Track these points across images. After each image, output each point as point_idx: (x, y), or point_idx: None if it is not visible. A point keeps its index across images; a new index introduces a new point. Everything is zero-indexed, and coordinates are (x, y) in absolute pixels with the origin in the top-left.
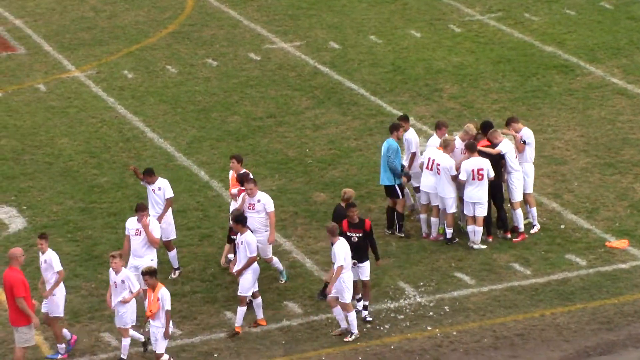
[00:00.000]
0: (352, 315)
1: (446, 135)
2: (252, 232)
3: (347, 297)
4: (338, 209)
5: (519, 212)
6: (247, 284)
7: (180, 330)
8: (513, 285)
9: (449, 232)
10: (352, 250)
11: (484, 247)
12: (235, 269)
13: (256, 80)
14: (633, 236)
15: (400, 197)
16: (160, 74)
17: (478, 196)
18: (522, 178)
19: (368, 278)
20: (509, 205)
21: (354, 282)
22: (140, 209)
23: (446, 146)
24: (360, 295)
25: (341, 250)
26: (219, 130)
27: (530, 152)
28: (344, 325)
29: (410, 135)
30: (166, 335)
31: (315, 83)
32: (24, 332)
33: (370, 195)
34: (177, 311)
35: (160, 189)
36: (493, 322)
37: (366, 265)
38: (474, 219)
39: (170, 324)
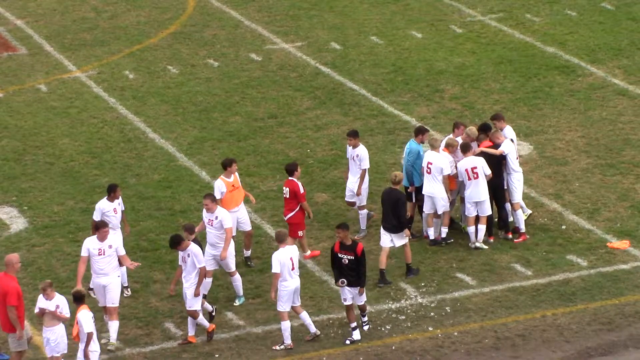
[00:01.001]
0: (285, 325)
1: (449, 136)
2: (200, 246)
3: (279, 306)
4: (391, 192)
5: (520, 213)
6: (195, 298)
7: (181, 331)
8: (514, 285)
9: (444, 230)
10: (343, 272)
11: (486, 247)
12: (187, 285)
13: (257, 80)
14: (634, 237)
15: (413, 200)
16: (162, 74)
17: (478, 195)
18: (522, 179)
19: (363, 302)
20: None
21: (347, 306)
22: (101, 225)
23: (433, 147)
24: (354, 324)
25: (275, 258)
26: (220, 131)
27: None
28: (312, 329)
29: (361, 150)
30: (86, 358)
31: (317, 84)
32: (15, 337)
33: (371, 196)
34: (178, 312)
35: (120, 204)
36: (494, 322)
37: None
38: (475, 220)
39: (92, 345)
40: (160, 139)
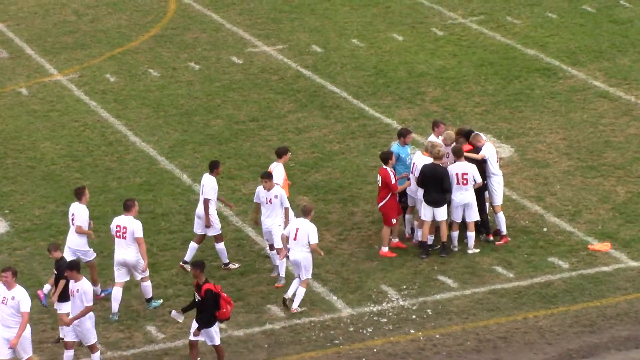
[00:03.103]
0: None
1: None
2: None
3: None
4: (435, 168)
5: (501, 216)
6: (89, 333)
7: (162, 334)
8: (496, 288)
9: (430, 237)
10: (197, 306)
11: (477, 250)
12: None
13: (239, 83)
14: (615, 239)
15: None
16: (143, 77)
17: (465, 201)
18: (502, 182)
19: (214, 343)
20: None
21: (190, 342)
22: (3, 270)
23: (429, 153)
24: None
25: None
26: (201, 134)
27: None
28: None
29: (278, 190)
30: None
31: (298, 86)
32: None
33: (352, 198)
34: (160, 315)
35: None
36: (476, 325)
37: (212, 330)
38: (460, 225)
39: None
40: (142, 142)
